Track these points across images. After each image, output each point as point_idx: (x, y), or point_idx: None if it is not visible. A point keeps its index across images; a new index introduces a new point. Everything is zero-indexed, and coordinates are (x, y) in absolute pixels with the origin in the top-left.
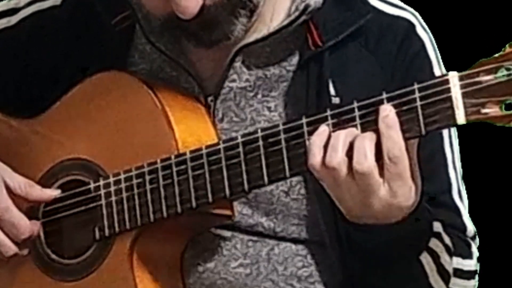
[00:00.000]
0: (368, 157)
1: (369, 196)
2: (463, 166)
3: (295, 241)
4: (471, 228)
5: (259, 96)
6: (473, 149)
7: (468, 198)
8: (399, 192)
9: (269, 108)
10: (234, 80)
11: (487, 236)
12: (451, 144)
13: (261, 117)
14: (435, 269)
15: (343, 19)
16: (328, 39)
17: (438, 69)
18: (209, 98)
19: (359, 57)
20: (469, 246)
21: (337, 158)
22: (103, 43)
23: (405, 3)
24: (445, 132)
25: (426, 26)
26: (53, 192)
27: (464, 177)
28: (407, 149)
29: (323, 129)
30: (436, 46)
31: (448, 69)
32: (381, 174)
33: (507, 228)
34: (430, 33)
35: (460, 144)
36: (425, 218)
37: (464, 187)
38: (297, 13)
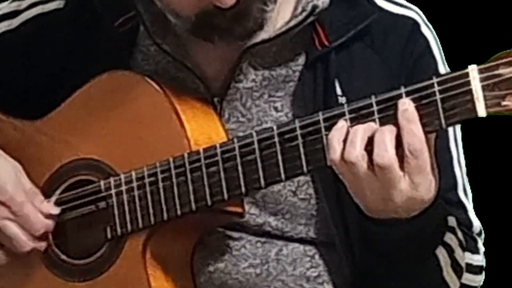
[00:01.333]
0: (388, 150)
1: (390, 189)
2: (466, 163)
3: (303, 241)
4: (477, 224)
5: (266, 96)
6: (475, 145)
7: (472, 194)
8: (421, 185)
9: (275, 108)
10: (240, 81)
11: (492, 232)
12: (455, 141)
13: (267, 117)
14: (449, 264)
15: (349, 19)
16: (335, 39)
17: (442, 67)
18: (216, 99)
19: (365, 57)
20: (476, 242)
21: (356, 152)
22: (106, 45)
23: (409, 1)
24: (450, 130)
25: (430, 25)
26: (53, 210)
27: (468, 174)
28: (426, 142)
29: (342, 124)
30: (440, 44)
31: (450, 67)
32: (402, 168)
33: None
34: (434, 32)
35: (462, 141)
36: (441, 212)
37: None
38: (304, 14)
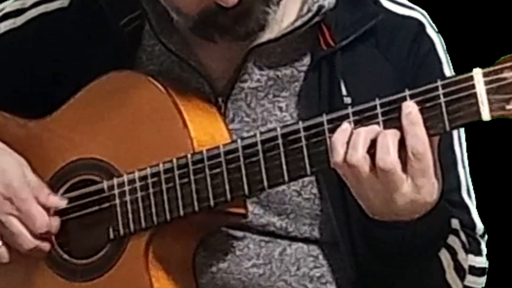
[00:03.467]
0: (391, 153)
1: (393, 192)
2: (470, 165)
3: (307, 241)
4: (480, 226)
5: (270, 96)
6: (479, 147)
7: (476, 196)
8: (423, 188)
9: (280, 108)
10: (245, 81)
11: (495, 234)
12: (460, 143)
13: (272, 117)
14: (452, 266)
15: (355, 20)
16: (340, 39)
17: (447, 68)
18: (220, 99)
19: (370, 57)
20: (479, 243)
21: (357, 155)
22: (110, 44)
23: (414, 3)
24: (454, 131)
25: (435, 26)
26: (60, 201)
27: (471, 175)
28: (430, 145)
29: (346, 127)
30: (445, 46)
31: (455, 68)
32: (405, 170)
33: None
34: (439, 33)
35: (466, 142)
36: (444, 215)
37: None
38: (310, 14)
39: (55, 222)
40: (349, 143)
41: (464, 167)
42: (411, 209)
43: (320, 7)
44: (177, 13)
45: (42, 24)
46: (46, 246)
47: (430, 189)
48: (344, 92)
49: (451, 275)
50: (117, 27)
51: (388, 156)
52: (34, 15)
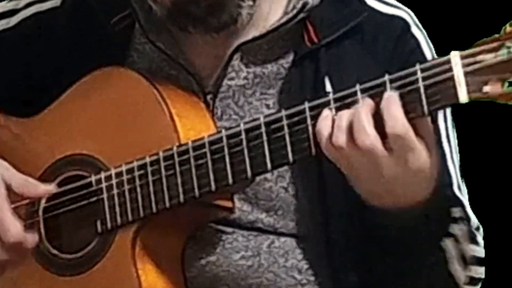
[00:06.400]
0: (368, 131)
1: (379, 167)
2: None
3: (294, 236)
4: (474, 219)
5: (257, 93)
6: (469, 142)
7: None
8: (410, 158)
9: (267, 106)
10: (232, 78)
11: (488, 229)
12: (448, 138)
13: (259, 115)
14: (455, 255)
15: (339, 17)
16: (324, 36)
17: None
18: (208, 96)
19: (355, 55)
20: (475, 236)
21: (343, 137)
22: (102, 43)
23: (399, 2)
24: (442, 126)
25: (420, 25)
26: (48, 187)
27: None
28: (416, 125)
29: (327, 114)
30: (430, 44)
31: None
32: (387, 148)
33: (507, 222)
34: (424, 32)
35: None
36: (444, 202)
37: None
38: (295, 11)
39: (32, 237)
40: (333, 127)
41: (453, 162)
42: (405, 186)
43: (305, 4)
44: (153, 2)
45: (35, 23)
46: (16, 260)
47: (416, 158)
48: (329, 88)
49: (454, 265)
50: (107, 26)
51: (366, 135)
52: (27, 14)
